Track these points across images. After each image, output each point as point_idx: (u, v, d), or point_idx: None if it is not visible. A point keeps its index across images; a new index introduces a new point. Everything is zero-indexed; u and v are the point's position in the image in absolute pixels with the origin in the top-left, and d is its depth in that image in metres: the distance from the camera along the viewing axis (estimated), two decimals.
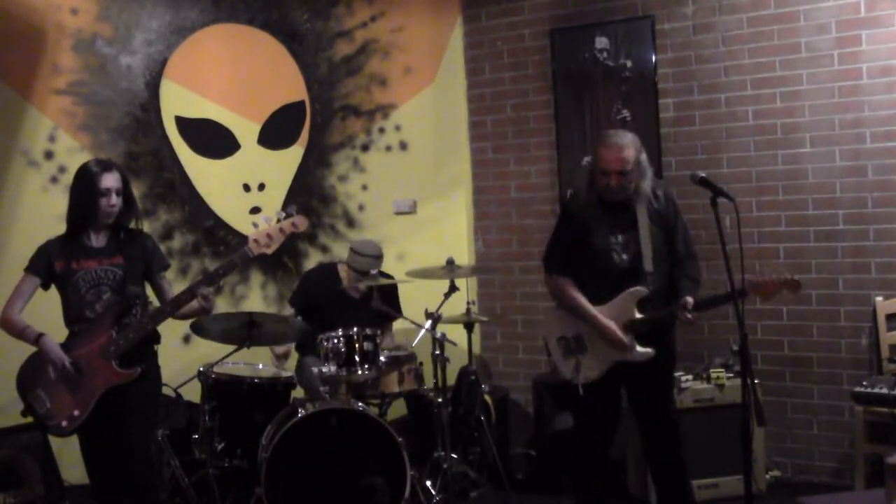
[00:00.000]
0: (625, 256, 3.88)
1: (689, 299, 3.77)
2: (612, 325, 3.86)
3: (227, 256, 5.50)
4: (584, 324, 3.94)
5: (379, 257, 5.00)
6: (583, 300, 3.93)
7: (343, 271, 5.11)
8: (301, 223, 3.90)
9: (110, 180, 3.73)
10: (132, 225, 3.88)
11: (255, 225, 3.86)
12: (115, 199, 3.73)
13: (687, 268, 3.94)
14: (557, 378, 5.31)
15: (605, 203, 3.91)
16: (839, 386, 4.96)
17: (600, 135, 4.09)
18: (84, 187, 3.76)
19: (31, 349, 3.78)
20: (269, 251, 3.84)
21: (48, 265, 3.77)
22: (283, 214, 3.87)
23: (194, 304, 3.75)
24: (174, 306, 3.73)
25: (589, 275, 3.93)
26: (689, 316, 3.76)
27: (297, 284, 5.30)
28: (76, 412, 3.66)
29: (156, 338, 3.88)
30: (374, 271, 4.82)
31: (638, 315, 3.86)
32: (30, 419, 3.79)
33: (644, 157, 3.91)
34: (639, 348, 3.86)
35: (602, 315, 3.88)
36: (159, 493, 4.14)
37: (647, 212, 3.89)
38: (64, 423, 3.69)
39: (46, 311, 3.89)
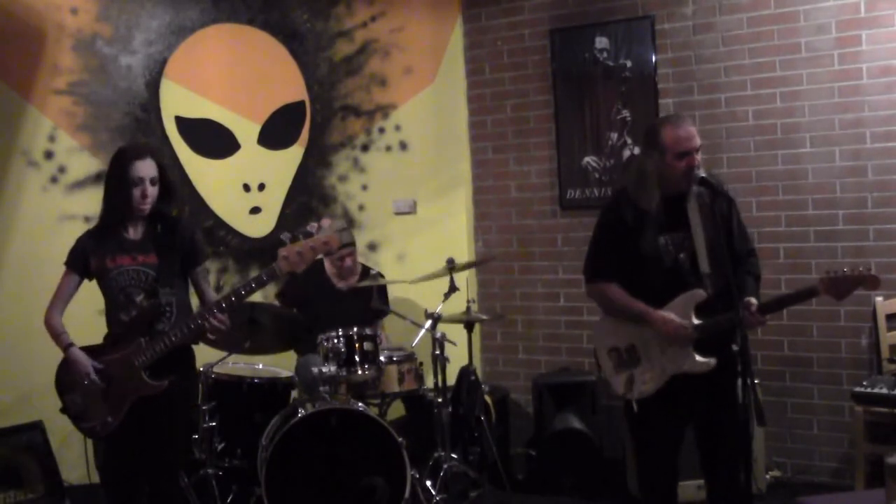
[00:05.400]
0: (678, 258, 3.49)
1: (753, 300, 3.42)
2: (670, 315, 3.44)
3: (226, 257, 5.54)
4: (638, 332, 3.54)
5: (345, 228, 4.93)
6: (632, 299, 3.51)
7: (327, 265, 5.09)
8: (333, 242, 3.48)
9: (143, 169, 3.49)
10: (174, 213, 3.69)
11: (286, 238, 3.49)
12: (150, 190, 3.51)
13: (748, 265, 3.57)
14: (557, 378, 5.37)
15: (656, 201, 3.51)
16: (839, 386, 4.95)
17: (662, 121, 3.69)
18: (115, 176, 3.54)
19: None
20: (299, 270, 3.50)
21: (84, 261, 3.62)
22: (316, 227, 3.50)
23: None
24: (195, 332, 3.53)
25: (638, 281, 3.52)
26: (756, 319, 3.41)
27: (283, 280, 5.24)
28: (109, 419, 3.56)
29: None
30: (353, 244, 4.92)
31: (696, 321, 3.44)
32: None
33: None
34: (698, 358, 3.45)
35: (657, 310, 3.46)
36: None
37: (699, 207, 3.49)
38: (98, 428, 3.59)
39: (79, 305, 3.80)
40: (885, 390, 4.46)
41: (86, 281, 3.68)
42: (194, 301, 3.77)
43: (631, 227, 3.52)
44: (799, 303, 3.57)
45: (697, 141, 3.48)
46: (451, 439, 4.68)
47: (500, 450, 4.98)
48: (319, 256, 3.56)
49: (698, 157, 3.48)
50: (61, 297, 3.66)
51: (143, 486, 3.62)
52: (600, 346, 3.69)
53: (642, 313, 3.50)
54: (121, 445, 3.63)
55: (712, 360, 3.45)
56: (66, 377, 3.63)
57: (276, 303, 5.13)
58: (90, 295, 3.72)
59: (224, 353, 4.57)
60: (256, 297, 5.41)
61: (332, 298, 4.97)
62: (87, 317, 3.91)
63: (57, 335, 3.63)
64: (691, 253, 3.47)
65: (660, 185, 3.51)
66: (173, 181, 3.70)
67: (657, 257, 3.49)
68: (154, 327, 3.56)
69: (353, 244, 5.02)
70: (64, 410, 3.67)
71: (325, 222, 3.53)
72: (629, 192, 3.60)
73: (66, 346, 3.61)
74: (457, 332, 4.92)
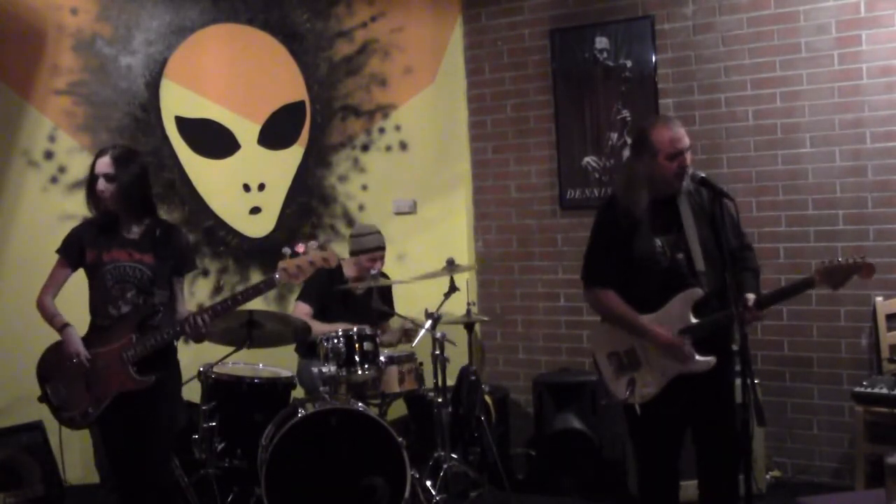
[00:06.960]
0: (675, 257, 3.48)
1: (751, 296, 3.42)
2: (668, 334, 3.45)
3: (226, 257, 5.54)
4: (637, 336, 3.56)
5: (378, 231, 5.13)
6: (630, 311, 3.51)
7: (348, 267, 5.10)
8: (332, 259, 3.71)
9: (98, 165, 3.66)
10: (153, 216, 3.81)
11: (287, 252, 3.68)
12: (102, 184, 3.63)
13: (746, 260, 3.57)
14: (557, 378, 5.37)
15: (644, 204, 3.52)
16: (839, 386, 4.96)
17: (651, 123, 3.63)
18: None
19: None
20: (297, 282, 3.73)
21: (79, 252, 3.73)
22: (316, 245, 3.70)
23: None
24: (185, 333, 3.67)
25: (634, 283, 3.51)
26: (753, 314, 3.41)
27: (304, 282, 5.22)
28: (90, 409, 3.63)
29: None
30: (384, 247, 5.01)
31: (694, 320, 3.45)
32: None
33: None
34: (698, 357, 3.44)
35: (654, 324, 3.48)
36: (177, 499, 4.12)
37: (690, 207, 3.52)
38: (78, 419, 3.68)
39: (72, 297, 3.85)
40: (885, 390, 4.46)
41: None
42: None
43: (625, 230, 3.50)
44: (796, 294, 3.57)
45: (687, 141, 3.51)
46: (451, 439, 4.68)
47: (500, 450, 4.98)
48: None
49: (689, 156, 3.51)
50: (54, 283, 3.77)
51: (139, 481, 3.67)
52: (599, 350, 3.68)
53: (641, 328, 3.50)
54: (106, 441, 3.74)
55: (712, 359, 3.45)
56: (53, 362, 3.70)
57: (304, 305, 5.06)
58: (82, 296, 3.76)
59: (224, 353, 4.57)
60: (258, 306, 5.49)
61: (349, 302, 4.98)
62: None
63: (51, 317, 3.72)
64: (686, 252, 3.48)
65: (650, 187, 3.52)
66: (131, 182, 3.67)
67: (653, 259, 3.49)
68: (143, 326, 3.65)
69: (384, 248, 5.09)
70: (42, 399, 3.72)
71: (313, 244, 3.71)
72: (618, 197, 3.61)
73: (61, 327, 3.69)
74: (457, 333, 4.93)
